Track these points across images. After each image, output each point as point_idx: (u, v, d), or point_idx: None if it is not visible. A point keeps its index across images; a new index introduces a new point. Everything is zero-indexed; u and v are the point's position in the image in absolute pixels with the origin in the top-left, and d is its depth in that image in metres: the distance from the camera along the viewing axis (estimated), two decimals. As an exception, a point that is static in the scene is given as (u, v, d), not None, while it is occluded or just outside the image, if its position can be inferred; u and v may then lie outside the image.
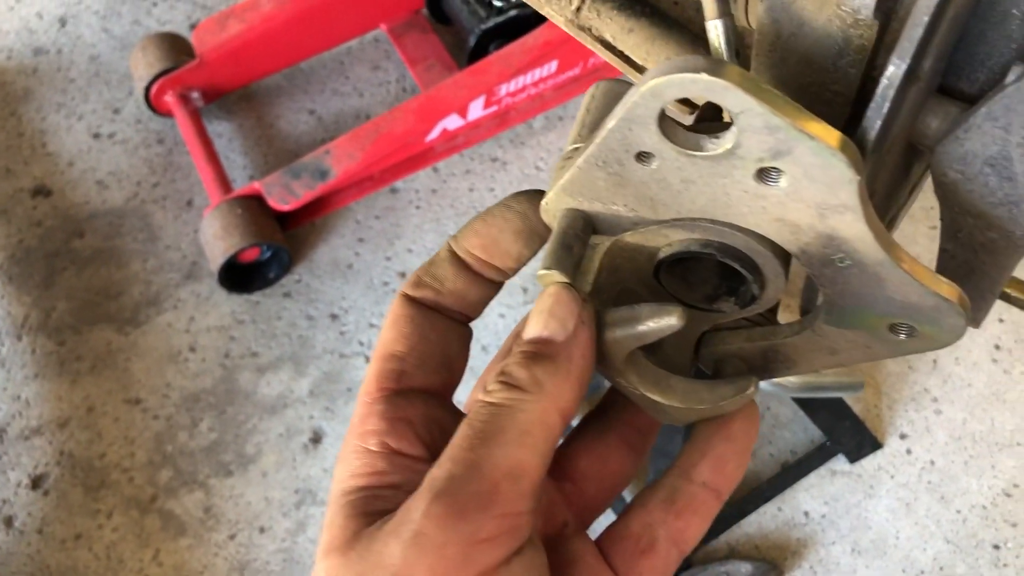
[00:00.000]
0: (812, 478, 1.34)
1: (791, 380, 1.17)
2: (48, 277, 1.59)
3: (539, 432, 0.37)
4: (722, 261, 0.40)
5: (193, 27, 1.76)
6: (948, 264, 0.59)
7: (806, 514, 1.34)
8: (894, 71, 0.44)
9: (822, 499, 1.35)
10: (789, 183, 0.37)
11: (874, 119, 0.45)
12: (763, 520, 1.33)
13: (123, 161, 1.70)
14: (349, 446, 0.41)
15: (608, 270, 0.43)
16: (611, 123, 0.36)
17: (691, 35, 0.77)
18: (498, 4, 1.68)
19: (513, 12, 1.65)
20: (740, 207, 0.38)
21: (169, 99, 1.68)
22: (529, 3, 0.77)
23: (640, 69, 0.72)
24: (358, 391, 0.43)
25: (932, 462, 1.36)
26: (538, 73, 1.66)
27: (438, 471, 0.36)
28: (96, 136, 1.74)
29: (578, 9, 0.74)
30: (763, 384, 1.13)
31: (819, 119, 0.36)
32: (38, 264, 1.60)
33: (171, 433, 1.46)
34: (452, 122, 1.63)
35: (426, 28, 1.80)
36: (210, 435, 1.46)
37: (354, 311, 1.56)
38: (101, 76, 1.80)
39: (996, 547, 1.31)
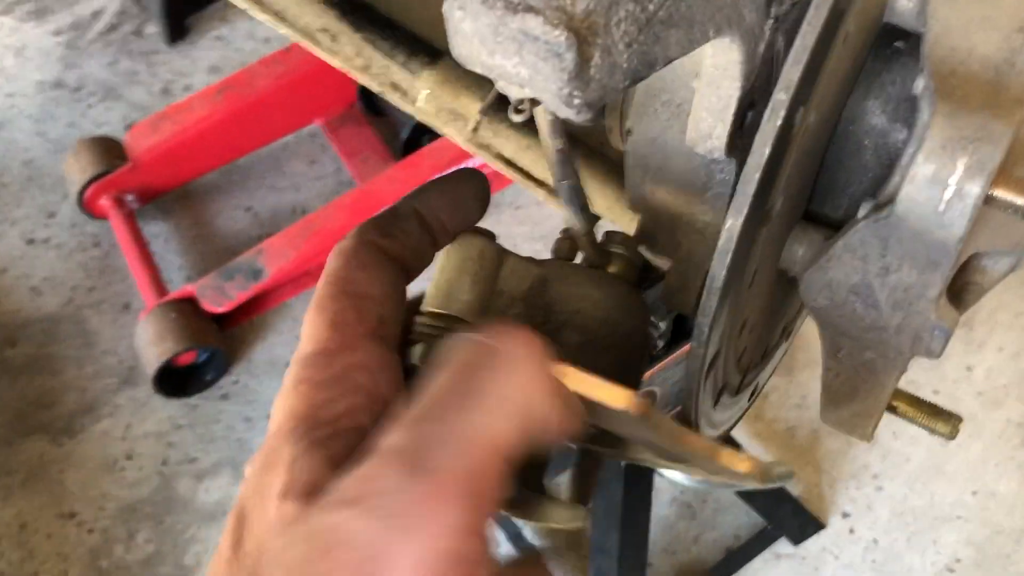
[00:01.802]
0: (757, 562, 1.33)
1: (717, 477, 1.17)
2: (-20, 389, 1.56)
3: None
4: None
5: (129, 128, 1.76)
6: (832, 382, 0.60)
7: (753, 600, 1.33)
8: (732, 224, 0.44)
9: (768, 583, 1.34)
10: None
11: (719, 268, 0.46)
12: (711, 608, 1.32)
13: (58, 266, 1.69)
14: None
15: None
16: None
17: (587, 148, 0.79)
18: (429, 97, 1.70)
19: (444, 105, 1.67)
20: None
21: (104, 203, 1.68)
22: (430, 125, 0.77)
23: (540, 184, 0.73)
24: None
25: (875, 540, 1.36)
26: (472, 163, 1.68)
27: (407, 437, 0.31)
28: (30, 242, 1.72)
29: (475, 129, 0.75)
30: (689, 482, 1.13)
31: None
32: (-31, 376, 1.57)
33: (107, 547, 1.42)
34: (388, 215, 1.64)
35: (361, 121, 1.82)
36: (147, 547, 1.42)
37: (294, 410, 1.54)
38: (35, 180, 1.80)
39: (943, 624, 1.31)
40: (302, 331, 0.37)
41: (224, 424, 1.53)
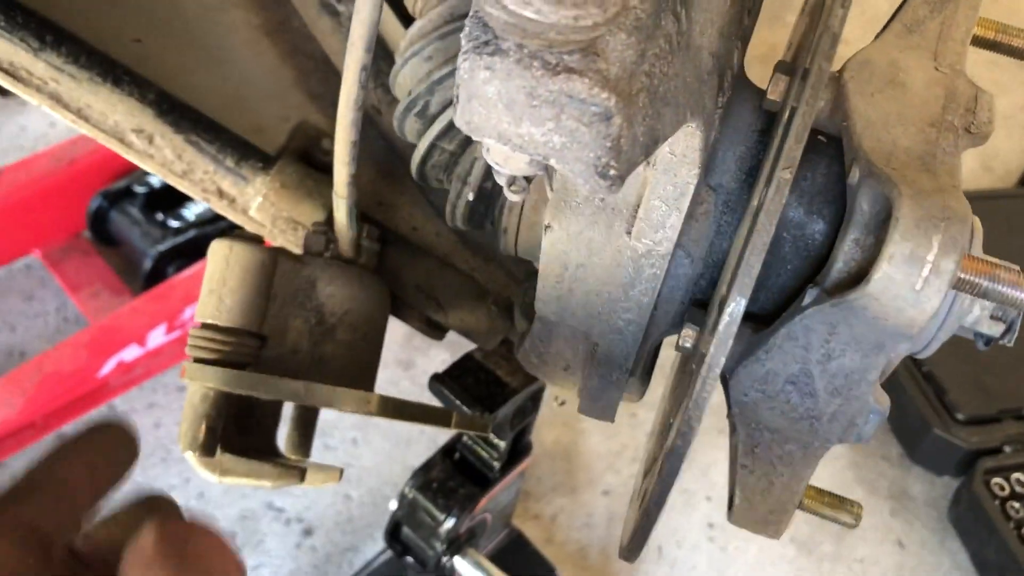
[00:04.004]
0: None
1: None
2: None
3: None
4: None
5: None
6: (747, 479, 0.58)
7: None
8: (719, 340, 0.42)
9: None
10: None
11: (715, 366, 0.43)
12: None
13: None
14: None
15: None
16: None
17: (439, 261, 0.74)
18: (174, 224, 1.57)
19: (192, 232, 1.55)
20: None
21: None
22: (263, 236, 0.70)
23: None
24: None
25: (673, 653, 1.36)
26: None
27: None
28: None
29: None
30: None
31: None
32: None
33: None
34: (130, 353, 1.46)
35: (89, 251, 1.64)
36: None
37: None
38: None
39: None
40: None
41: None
